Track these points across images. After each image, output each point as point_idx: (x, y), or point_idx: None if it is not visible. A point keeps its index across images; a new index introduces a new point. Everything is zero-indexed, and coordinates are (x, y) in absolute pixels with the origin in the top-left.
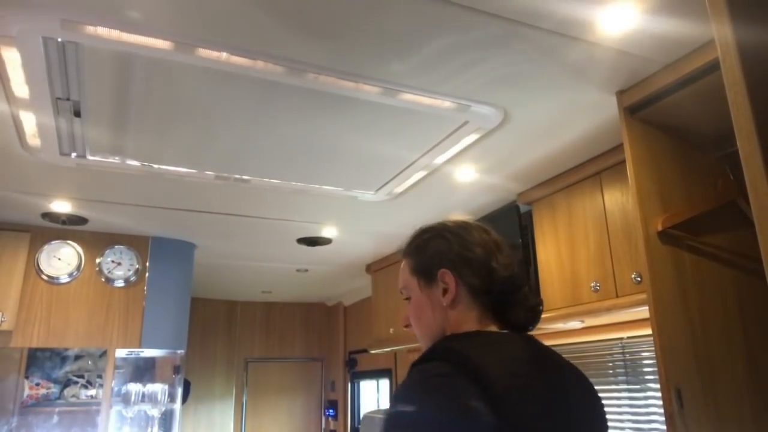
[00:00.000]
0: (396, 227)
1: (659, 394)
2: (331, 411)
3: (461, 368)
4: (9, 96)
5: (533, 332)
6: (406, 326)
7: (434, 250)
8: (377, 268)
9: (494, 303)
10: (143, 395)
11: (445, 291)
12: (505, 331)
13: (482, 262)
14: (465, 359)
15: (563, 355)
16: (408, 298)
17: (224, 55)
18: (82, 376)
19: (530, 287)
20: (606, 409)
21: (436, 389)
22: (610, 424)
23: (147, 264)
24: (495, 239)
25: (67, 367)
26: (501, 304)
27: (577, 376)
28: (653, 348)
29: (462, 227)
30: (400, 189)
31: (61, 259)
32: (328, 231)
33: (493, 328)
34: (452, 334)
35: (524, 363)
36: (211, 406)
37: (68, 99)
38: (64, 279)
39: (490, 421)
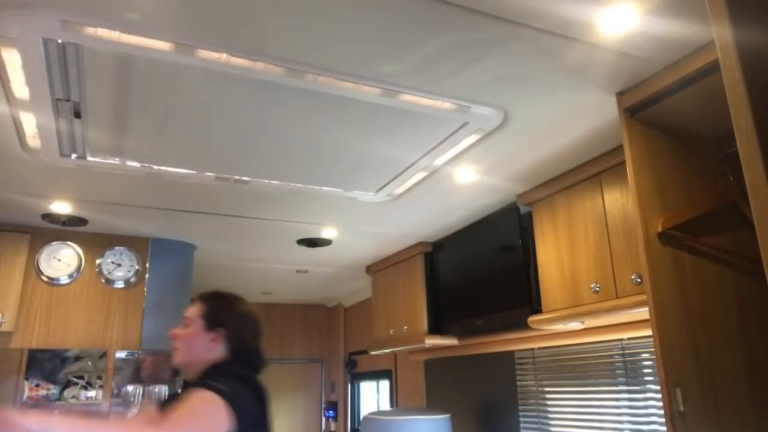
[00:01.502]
0: (396, 228)
1: (659, 395)
2: (331, 412)
3: (244, 383)
4: (9, 97)
5: (532, 333)
6: (172, 339)
7: (223, 317)
8: (377, 269)
9: (243, 359)
10: (143, 396)
11: (212, 341)
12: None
13: (245, 343)
14: (245, 379)
15: (563, 356)
16: (188, 325)
17: (224, 56)
18: (82, 377)
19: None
20: (605, 410)
21: (245, 388)
22: (610, 425)
23: (147, 265)
24: (260, 328)
25: (67, 368)
26: (248, 363)
27: None
28: (653, 349)
29: (249, 319)
30: (400, 190)
31: (61, 260)
32: (328, 232)
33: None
34: (217, 363)
35: (262, 387)
36: None
37: (68, 100)
38: (64, 280)
39: (261, 411)
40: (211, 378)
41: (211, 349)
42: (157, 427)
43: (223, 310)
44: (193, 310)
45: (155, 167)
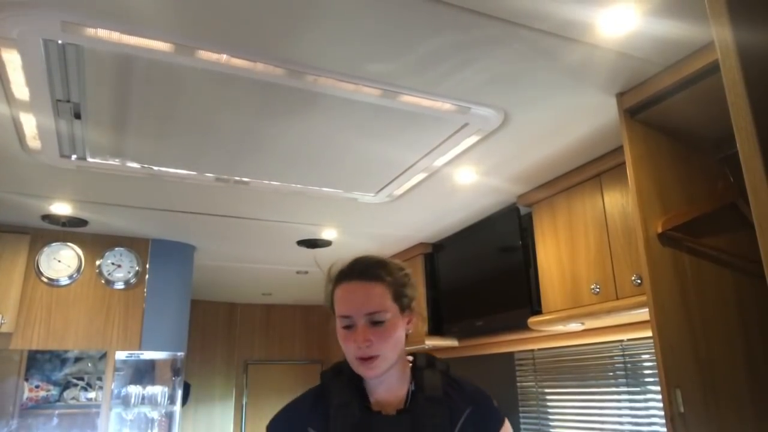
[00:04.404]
0: (396, 229)
1: (659, 396)
2: None
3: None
4: (9, 98)
5: (532, 334)
6: (367, 346)
7: (411, 287)
8: None
9: None
10: (143, 397)
11: (408, 322)
12: None
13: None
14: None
15: (563, 357)
16: (379, 322)
17: (224, 57)
18: (81, 379)
19: None
20: (606, 411)
21: None
22: (610, 426)
23: (147, 266)
24: None
25: (67, 370)
26: None
27: None
28: (653, 350)
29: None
30: (400, 191)
31: (61, 261)
32: (328, 233)
33: None
34: (406, 355)
35: None
36: (211, 408)
37: (68, 101)
38: (64, 281)
39: None
40: (446, 383)
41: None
42: None
43: (407, 278)
44: (382, 300)
45: (155, 168)
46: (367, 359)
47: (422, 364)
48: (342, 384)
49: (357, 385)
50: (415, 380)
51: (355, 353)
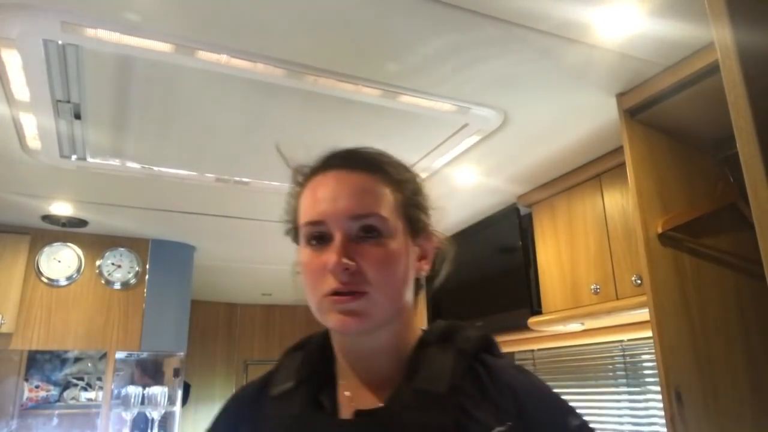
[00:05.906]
0: None
1: (659, 397)
2: None
3: None
4: (9, 98)
5: (532, 335)
6: (346, 269)
7: (428, 199)
8: None
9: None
10: (143, 397)
11: (422, 258)
12: None
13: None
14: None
15: (563, 357)
16: (373, 234)
17: (224, 57)
18: (81, 379)
19: None
20: (606, 411)
21: None
22: (610, 426)
23: (147, 266)
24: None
25: (67, 370)
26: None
27: None
28: (653, 350)
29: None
30: None
31: (61, 262)
32: None
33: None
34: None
35: None
36: (211, 409)
37: (68, 101)
38: (64, 281)
39: None
40: (465, 372)
41: (416, 285)
42: None
43: (422, 185)
44: (383, 200)
45: (155, 168)
46: (345, 295)
47: (430, 337)
48: (293, 362)
49: (320, 363)
50: (411, 361)
51: (328, 286)
